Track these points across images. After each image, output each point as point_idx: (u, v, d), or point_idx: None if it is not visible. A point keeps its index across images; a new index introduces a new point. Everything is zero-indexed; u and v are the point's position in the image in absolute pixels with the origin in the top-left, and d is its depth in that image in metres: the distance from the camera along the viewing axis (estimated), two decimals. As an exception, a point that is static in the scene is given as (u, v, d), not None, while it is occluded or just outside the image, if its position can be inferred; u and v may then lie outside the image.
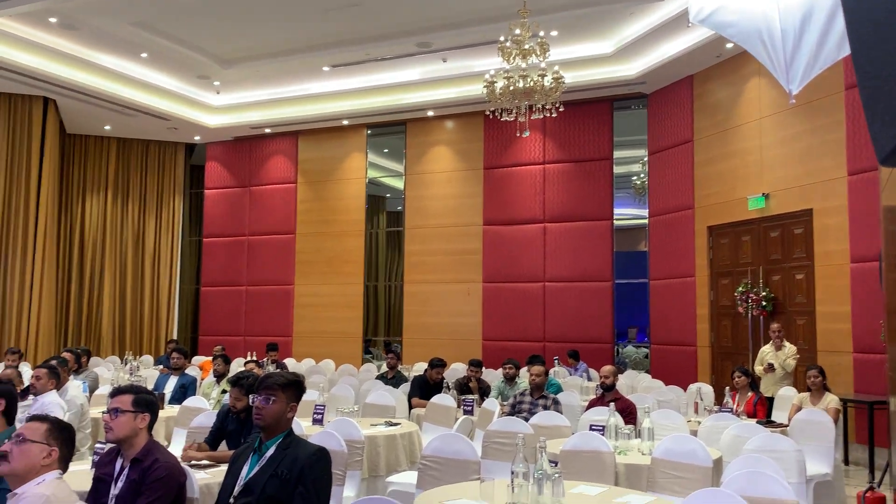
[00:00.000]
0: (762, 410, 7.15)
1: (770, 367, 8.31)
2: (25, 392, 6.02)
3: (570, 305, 12.78)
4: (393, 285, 14.46)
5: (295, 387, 3.42)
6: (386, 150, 14.68)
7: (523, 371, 8.56)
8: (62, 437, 2.89)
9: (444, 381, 8.32)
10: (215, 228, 15.85)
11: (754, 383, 7.66)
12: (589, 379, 10.61)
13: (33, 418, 2.98)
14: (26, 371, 8.24)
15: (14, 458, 2.74)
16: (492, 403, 6.96)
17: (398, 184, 14.40)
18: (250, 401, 3.65)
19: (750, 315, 10.26)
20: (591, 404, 6.60)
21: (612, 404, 5.43)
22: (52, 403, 5.56)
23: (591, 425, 5.23)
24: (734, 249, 10.76)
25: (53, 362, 6.45)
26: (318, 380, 9.27)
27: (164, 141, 16.01)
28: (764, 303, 10.03)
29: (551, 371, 9.65)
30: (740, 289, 10.40)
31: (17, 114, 13.43)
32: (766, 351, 8.59)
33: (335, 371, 11.65)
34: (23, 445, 2.77)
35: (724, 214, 10.85)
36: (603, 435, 4.91)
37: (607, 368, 6.72)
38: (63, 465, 2.87)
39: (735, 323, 10.68)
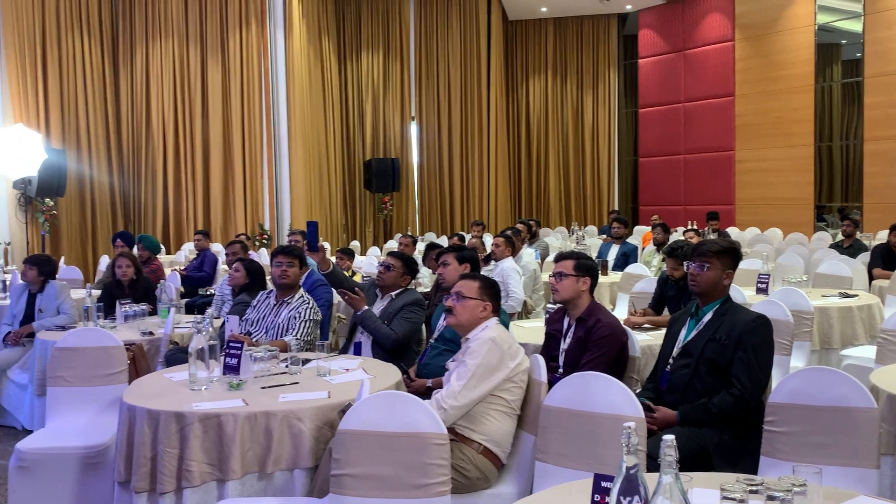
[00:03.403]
0: None
1: None
2: (487, 258, 6.86)
3: None
4: (850, 144, 12.87)
5: (730, 254, 3.34)
6: (840, -12, 12.80)
7: None
8: (491, 292, 3.26)
9: (915, 249, 7.30)
10: (650, 98, 15.72)
11: None
12: None
13: (465, 277, 3.42)
14: (488, 240, 9.36)
15: (458, 312, 3.19)
16: (978, 275, 5.92)
17: (856, 26, 12.49)
18: (685, 268, 3.67)
19: None
20: None
21: None
22: (510, 269, 6.25)
23: None
24: None
25: (509, 232, 7.23)
26: (762, 248, 8.84)
27: (597, 15, 16.22)
28: None
29: None
30: None
31: (466, 7, 14.87)
32: None
33: (783, 240, 10.99)
34: (463, 301, 3.20)
35: None
36: None
37: None
38: (496, 314, 3.27)
39: None
